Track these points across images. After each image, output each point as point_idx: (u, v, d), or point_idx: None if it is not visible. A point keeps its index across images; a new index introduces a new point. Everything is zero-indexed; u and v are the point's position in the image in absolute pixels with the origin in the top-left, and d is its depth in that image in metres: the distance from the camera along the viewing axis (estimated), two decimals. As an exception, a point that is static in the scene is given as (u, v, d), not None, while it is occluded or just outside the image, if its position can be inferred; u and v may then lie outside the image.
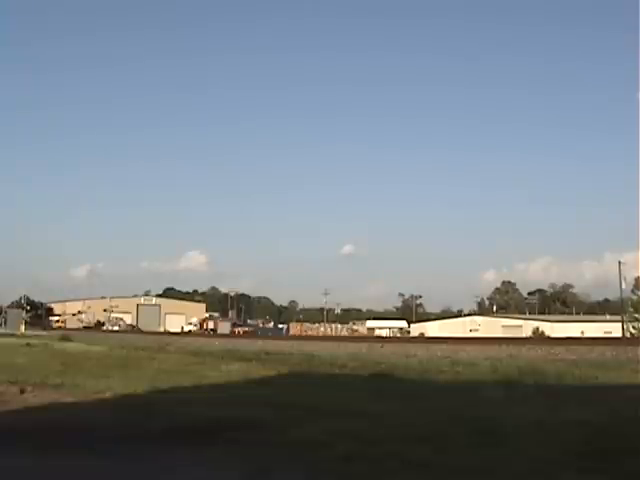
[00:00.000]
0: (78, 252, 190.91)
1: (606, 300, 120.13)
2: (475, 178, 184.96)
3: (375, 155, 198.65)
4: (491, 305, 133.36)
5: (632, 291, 63.67)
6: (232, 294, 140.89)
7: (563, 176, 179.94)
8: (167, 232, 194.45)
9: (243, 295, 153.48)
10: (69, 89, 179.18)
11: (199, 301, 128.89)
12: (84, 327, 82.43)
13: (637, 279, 63.14)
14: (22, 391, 11.33)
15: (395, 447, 6.34)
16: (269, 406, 9.20)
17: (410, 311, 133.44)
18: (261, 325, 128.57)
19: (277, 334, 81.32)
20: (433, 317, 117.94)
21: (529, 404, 9.62)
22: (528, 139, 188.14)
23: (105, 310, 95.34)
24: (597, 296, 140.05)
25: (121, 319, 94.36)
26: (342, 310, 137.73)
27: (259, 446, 6.68)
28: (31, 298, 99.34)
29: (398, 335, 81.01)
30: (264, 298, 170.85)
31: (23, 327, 65.21)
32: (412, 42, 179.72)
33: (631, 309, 61.15)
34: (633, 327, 57.54)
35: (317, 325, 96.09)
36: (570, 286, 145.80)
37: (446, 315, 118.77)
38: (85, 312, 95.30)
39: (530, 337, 53.81)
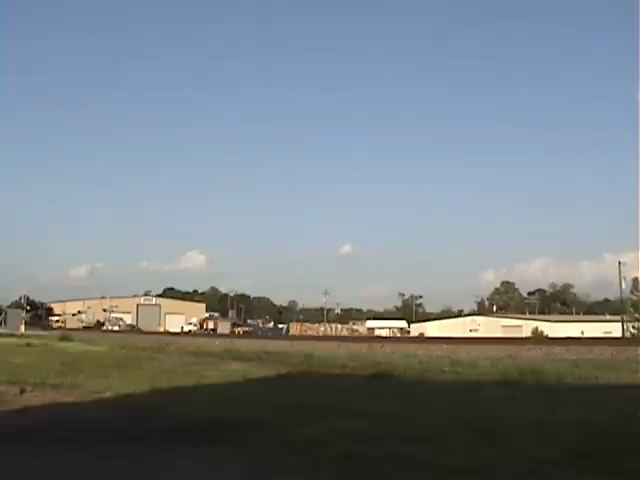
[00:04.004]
0: (78, 252, 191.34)
1: (606, 300, 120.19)
2: (475, 178, 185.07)
3: (374, 156, 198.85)
4: (491, 305, 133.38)
5: (631, 292, 63.67)
6: (232, 294, 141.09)
7: (562, 176, 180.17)
8: (167, 232, 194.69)
9: (243, 295, 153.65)
10: (69, 89, 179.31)
11: (199, 301, 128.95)
12: (84, 327, 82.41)
13: (635, 279, 63.12)
14: (22, 391, 11.33)
15: (395, 447, 6.34)
16: (269, 406, 9.20)
17: (410, 311, 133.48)
18: (261, 325, 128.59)
19: (277, 334, 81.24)
20: (433, 317, 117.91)
21: (529, 404, 9.63)
22: (527, 140, 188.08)
23: (105, 310, 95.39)
24: (597, 296, 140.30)
25: (121, 319, 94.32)
26: (342, 310, 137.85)
27: (259, 446, 6.68)
28: (31, 298, 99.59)
29: (398, 335, 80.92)
30: (264, 298, 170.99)
31: (23, 327, 65.21)
32: (412, 43, 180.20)
33: (631, 309, 61.17)
34: (633, 327, 57.59)
35: (317, 325, 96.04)
36: (570, 286, 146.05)
37: (446, 315, 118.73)
38: (85, 312, 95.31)
39: (530, 337, 53.76)
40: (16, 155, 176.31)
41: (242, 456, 6.27)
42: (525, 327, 76.39)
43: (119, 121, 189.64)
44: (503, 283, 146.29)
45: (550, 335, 57.24)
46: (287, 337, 59.55)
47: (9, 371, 14.54)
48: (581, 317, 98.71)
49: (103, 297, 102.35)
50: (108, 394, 11.12)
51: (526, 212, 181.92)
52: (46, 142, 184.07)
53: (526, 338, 45.21)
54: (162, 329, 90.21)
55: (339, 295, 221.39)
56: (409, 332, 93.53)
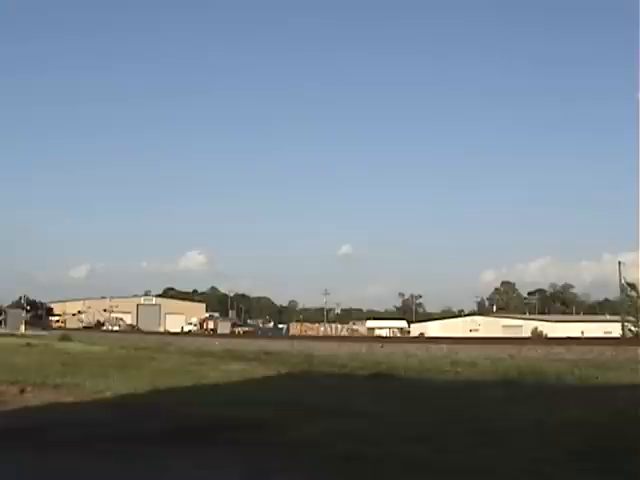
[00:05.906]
0: (78, 252, 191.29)
1: (606, 300, 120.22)
2: (475, 178, 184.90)
3: (375, 155, 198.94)
4: (491, 305, 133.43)
5: (626, 295, 63.52)
6: (232, 294, 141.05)
7: (562, 176, 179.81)
8: (167, 232, 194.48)
9: (243, 295, 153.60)
10: (69, 89, 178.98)
11: (199, 301, 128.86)
12: (84, 327, 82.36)
13: (625, 284, 62.91)
14: (22, 391, 11.33)
15: (395, 447, 6.34)
16: (269, 406, 9.20)
17: (410, 311, 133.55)
18: (261, 325, 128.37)
19: (277, 334, 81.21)
20: (433, 317, 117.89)
21: (529, 404, 9.62)
22: (527, 139, 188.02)
23: (105, 310, 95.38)
24: (597, 296, 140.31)
25: (121, 319, 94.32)
26: (342, 310, 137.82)
27: (259, 446, 6.67)
28: (31, 298, 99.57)
29: (398, 335, 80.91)
30: (264, 298, 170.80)
31: (23, 327, 65.27)
32: (413, 42, 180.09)
33: (630, 314, 61.10)
34: (629, 330, 57.58)
35: (317, 325, 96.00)
36: (570, 286, 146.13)
37: (446, 315, 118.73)
38: (85, 312, 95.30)
39: (530, 337, 53.77)
40: (16, 155, 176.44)
41: (242, 456, 6.27)
42: (525, 327, 76.37)
43: (119, 121, 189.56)
44: (503, 283, 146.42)
45: (550, 335, 57.25)
46: (287, 337, 59.54)
47: (9, 371, 14.53)
48: (581, 317, 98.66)
49: (103, 297, 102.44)
50: (108, 394, 11.12)
51: (526, 212, 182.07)
52: (46, 142, 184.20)
53: (526, 338, 45.20)
54: (162, 329, 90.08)
55: (339, 295, 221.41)
56: (409, 332, 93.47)
